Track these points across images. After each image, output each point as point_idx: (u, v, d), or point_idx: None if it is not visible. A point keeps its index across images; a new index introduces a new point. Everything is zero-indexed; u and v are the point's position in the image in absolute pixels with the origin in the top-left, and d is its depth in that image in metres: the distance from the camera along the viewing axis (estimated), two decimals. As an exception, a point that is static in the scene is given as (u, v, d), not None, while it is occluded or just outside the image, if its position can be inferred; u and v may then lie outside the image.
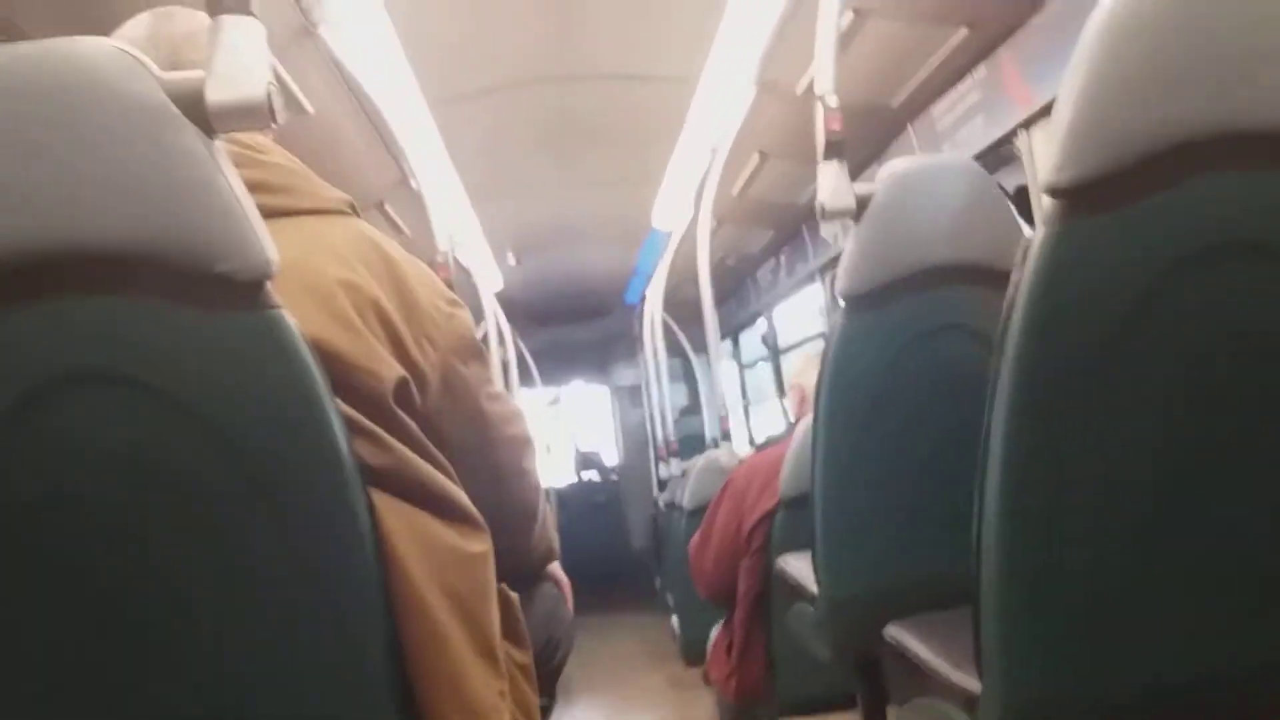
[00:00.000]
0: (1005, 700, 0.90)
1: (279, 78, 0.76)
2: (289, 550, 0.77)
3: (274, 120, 0.75)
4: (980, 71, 2.47)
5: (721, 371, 3.57)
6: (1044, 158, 0.79)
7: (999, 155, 2.40)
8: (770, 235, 4.60)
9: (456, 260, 2.92)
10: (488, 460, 1.05)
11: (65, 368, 0.72)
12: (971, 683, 0.98)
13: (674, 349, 5.84)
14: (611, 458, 8.66)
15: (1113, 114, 0.81)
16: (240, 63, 0.74)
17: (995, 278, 1.30)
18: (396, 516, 0.84)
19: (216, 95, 0.73)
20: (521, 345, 6.55)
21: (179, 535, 0.75)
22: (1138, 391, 0.85)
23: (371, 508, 0.82)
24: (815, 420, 1.42)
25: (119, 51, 0.73)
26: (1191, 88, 0.81)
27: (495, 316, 4.61)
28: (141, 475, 0.74)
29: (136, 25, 1.00)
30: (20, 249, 0.70)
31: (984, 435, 0.89)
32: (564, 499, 7.79)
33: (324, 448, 0.77)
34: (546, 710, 1.22)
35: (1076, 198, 0.82)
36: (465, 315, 1.03)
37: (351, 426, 0.81)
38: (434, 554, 0.86)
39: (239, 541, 0.76)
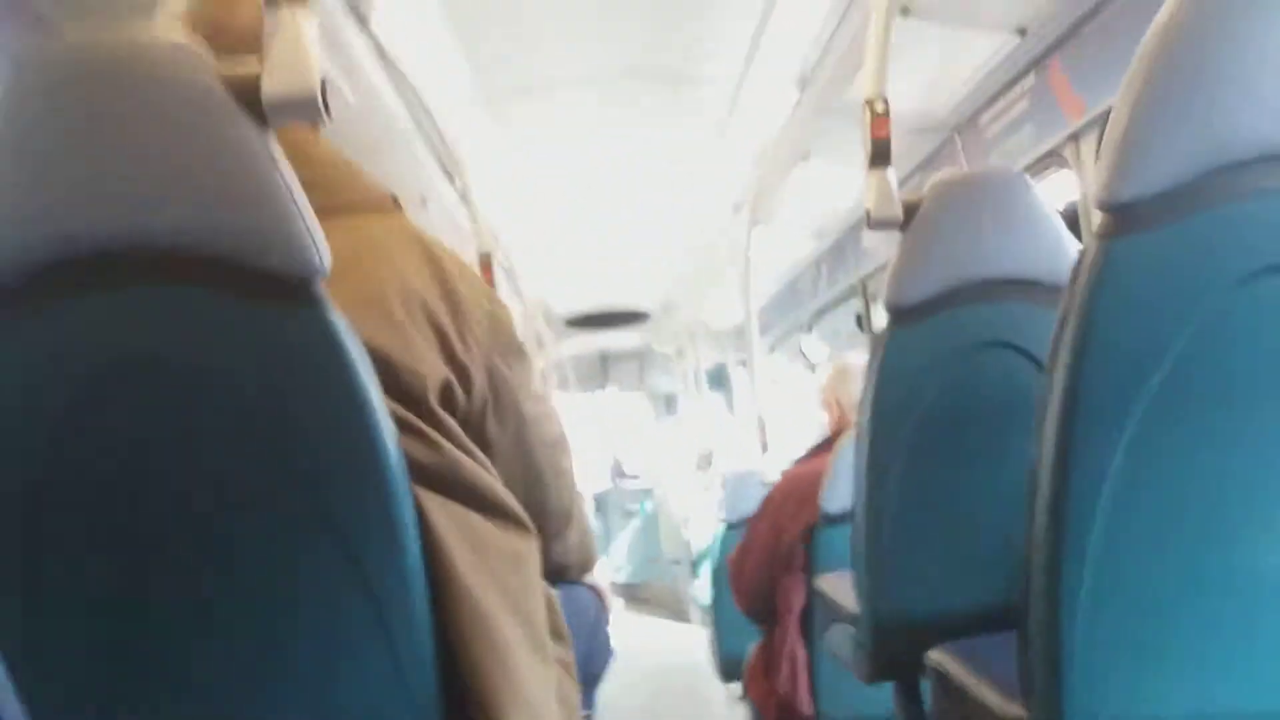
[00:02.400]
0: None
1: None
2: (334, 541, 0.78)
3: (327, 114, 0.76)
4: (1029, 80, 2.43)
5: (762, 382, 3.54)
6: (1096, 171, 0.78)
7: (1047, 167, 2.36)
8: (813, 243, 4.57)
9: (498, 263, 2.92)
10: (525, 460, 1.05)
11: (123, 355, 0.74)
12: (1015, 709, 0.96)
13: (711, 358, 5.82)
14: (645, 465, 8.65)
15: (1171, 128, 0.79)
16: (295, 55, 0.74)
17: (1046, 293, 1.28)
18: (445, 514, 0.85)
19: (272, 88, 0.74)
20: (559, 351, 6.57)
21: (225, 522, 0.77)
22: (1194, 415, 0.83)
23: (420, 505, 0.82)
24: (858, 435, 1.39)
25: (179, 45, 0.74)
26: (1253, 102, 0.78)
27: (532, 321, 4.62)
28: (193, 462, 0.76)
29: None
30: (82, 241, 0.72)
31: (1034, 457, 0.87)
32: (599, 504, 7.81)
33: (371, 443, 0.78)
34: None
35: (1129, 213, 0.80)
36: (508, 314, 1.04)
37: (400, 425, 0.82)
38: (483, 551, 0.87)
39: (285, 531, 0.78)
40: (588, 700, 1.36)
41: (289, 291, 0.75)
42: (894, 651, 1.41)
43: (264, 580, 0.78)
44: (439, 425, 0.88)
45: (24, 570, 0.75)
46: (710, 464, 5.13)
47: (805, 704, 2.21)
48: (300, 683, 0.79)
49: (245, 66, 0.75)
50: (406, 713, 0.81)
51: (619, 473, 8.51)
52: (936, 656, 1.18)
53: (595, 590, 1.40)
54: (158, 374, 0.74)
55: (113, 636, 0.77)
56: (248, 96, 0.74)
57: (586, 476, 7.97)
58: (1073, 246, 1.31)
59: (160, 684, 0.78)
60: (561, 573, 1.23)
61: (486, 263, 2.72)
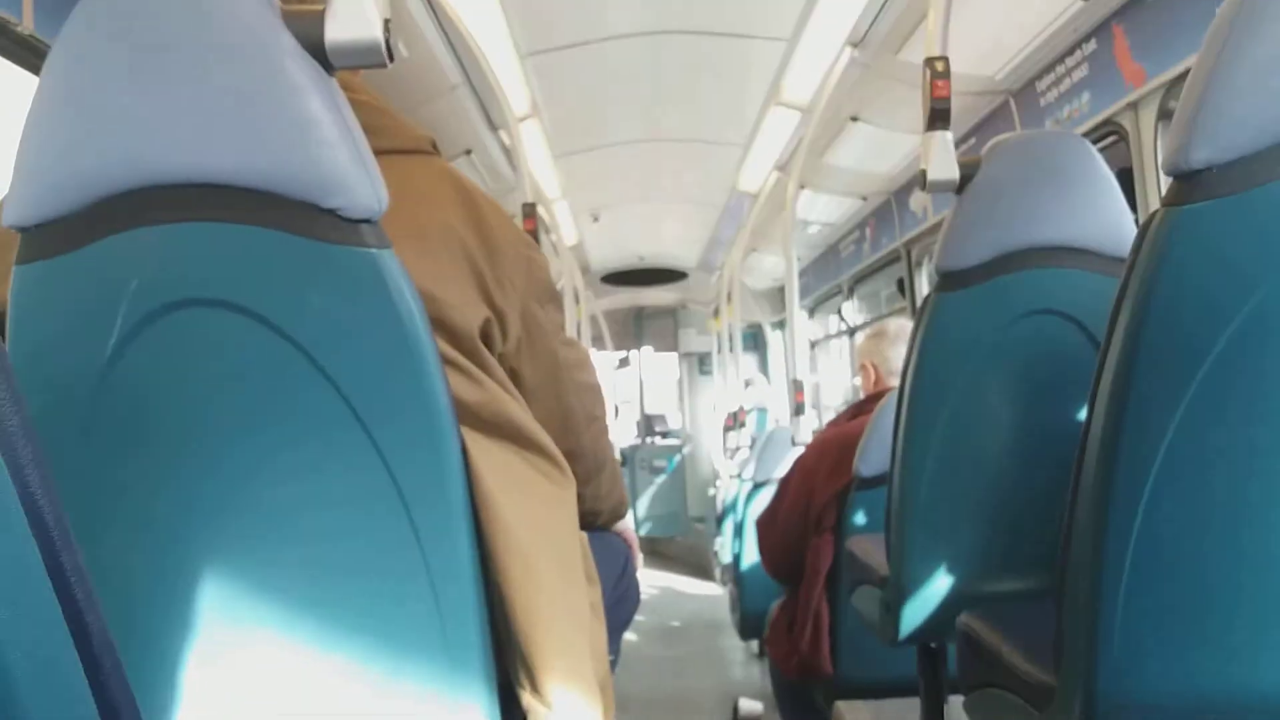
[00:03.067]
0: (1084, 695, 0.88)
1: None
2: (381, 473, 0.79)
3: (389, 59, 0.77)
4: (1090, 45, 2.37)
5: (799, 344, 3.52)
6: (1162, 138, 0.75)
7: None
8: (857, 205, 4.52)
9: (538, 215, 2.92)
10: (559, 404, 1.06)
11: (178, 292, 0.75)
12: (1046, 676, 0.96)
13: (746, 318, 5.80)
14: (676, 423, 8.68)
15: (1247, 94, 0.77)
16: (358, 2, 0.76)
17: (1101, 261, 1.25)
18: (487, 450, 0.86)
19: (336, 33, 0.75)
20: (594, 306, 6.57)
21: (276, 453, 0.78)
22: (1254, 390, 0.81)
23: (463, 441, 0.83)
24: (899, 398, 1.38)
25: None
26: None
27: (570, 275, 4.62)
28: (245, 397, 0.77)
29: None
30: (143, 176, 0.73)
31: (1085, 426, 0.86)
32: (626, 458, 7.87)
33: (421, 382, 0.79)
34: (612, 665, 1.23)
35: (1199, 180, 0.78)
36: (543, 259, 1.04)
37: (446, 361, 0.83)
38: (523, 488, 0.88)
39: (333, 462, 0.79)
40: (613, 645, 1.37)
41: (350, 230, 0.76)
42: (920, 616, 1.41)
43: (309, 510, 0.79)
44: (482, 363, 0.89)
45: (76, 500, 0.76)
46: (741, 424, 5.13)
47: (826, 663, 2.23)
48: (341, 612, 0.81)
49: (309, 10, 0.76)
50: (444, 645, 0.82)
51: (648, 430, 8.54)
52: (967, 620, 1.18)
53: (624, 538, 1.41)
54: (214, 306, 0.76)
55: (160, 563, 0.79)
56: (311, 40, 0.75)
57: (616, 432, 8.02)
58: (1130, 216, 1.29)
59: (209, 609, 0.79)
60: (593, 519, 1.24)
61: (530, 213, 2.72)
